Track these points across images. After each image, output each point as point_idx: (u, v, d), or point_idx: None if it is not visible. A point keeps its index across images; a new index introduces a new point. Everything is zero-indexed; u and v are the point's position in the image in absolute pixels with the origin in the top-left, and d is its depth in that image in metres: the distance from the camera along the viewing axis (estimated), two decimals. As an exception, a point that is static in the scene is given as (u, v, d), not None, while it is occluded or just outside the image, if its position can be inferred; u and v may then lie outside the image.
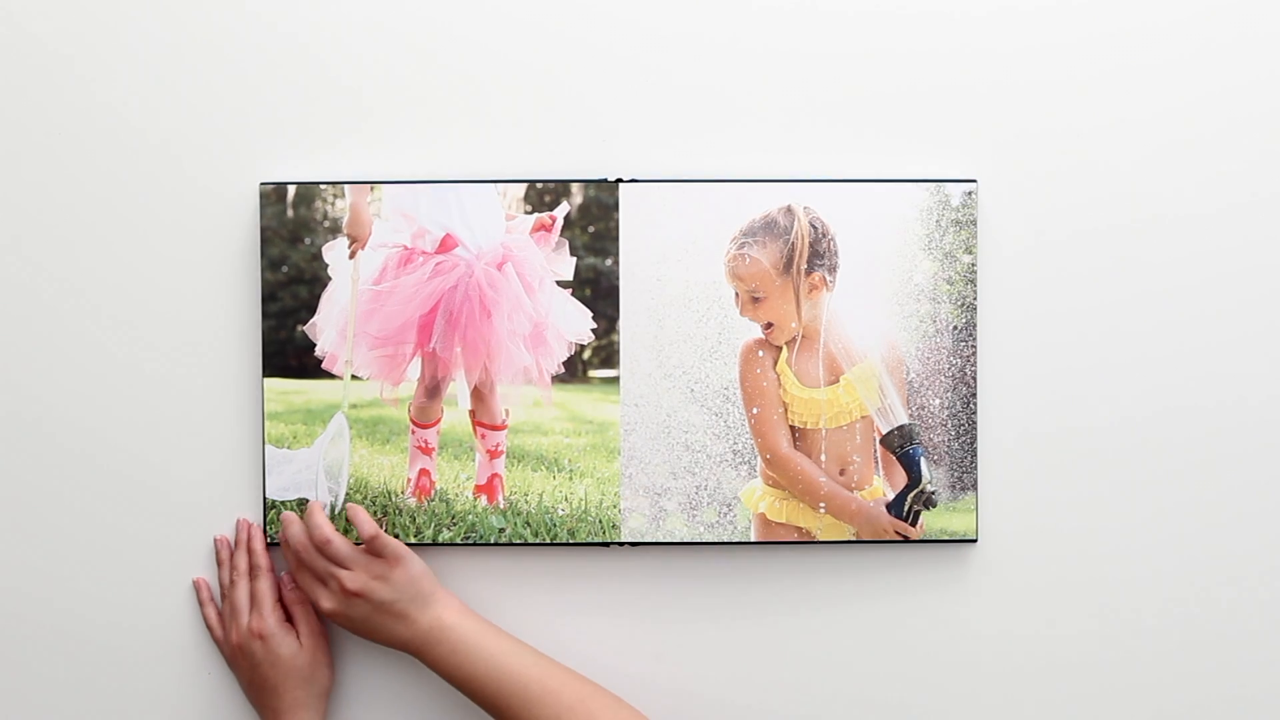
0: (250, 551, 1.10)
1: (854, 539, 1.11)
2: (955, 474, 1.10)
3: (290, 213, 1.10)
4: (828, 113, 1.11)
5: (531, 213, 1.09)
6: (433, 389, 1.09)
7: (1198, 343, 1.12)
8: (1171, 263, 1.12)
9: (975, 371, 1.11)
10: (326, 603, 1.05)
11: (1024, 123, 1.12)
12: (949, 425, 1.10)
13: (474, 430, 1.10)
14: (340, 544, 1.05)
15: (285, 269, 1.11)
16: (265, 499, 1.11)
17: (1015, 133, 1.12)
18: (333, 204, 1.09)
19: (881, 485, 1.10)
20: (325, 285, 1.10)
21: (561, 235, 1.09)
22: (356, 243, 1.09)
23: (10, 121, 1.12)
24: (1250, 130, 1.12)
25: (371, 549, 1.05)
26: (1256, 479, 1.12)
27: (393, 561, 1.04)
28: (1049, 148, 1.12)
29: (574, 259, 1.09)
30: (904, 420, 1.09)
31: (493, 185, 1.09)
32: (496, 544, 1.11)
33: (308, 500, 1.10)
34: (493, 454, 1.10)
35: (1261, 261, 1.12)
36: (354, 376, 1.11)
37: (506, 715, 1.02)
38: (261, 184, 1.10)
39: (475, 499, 1.10)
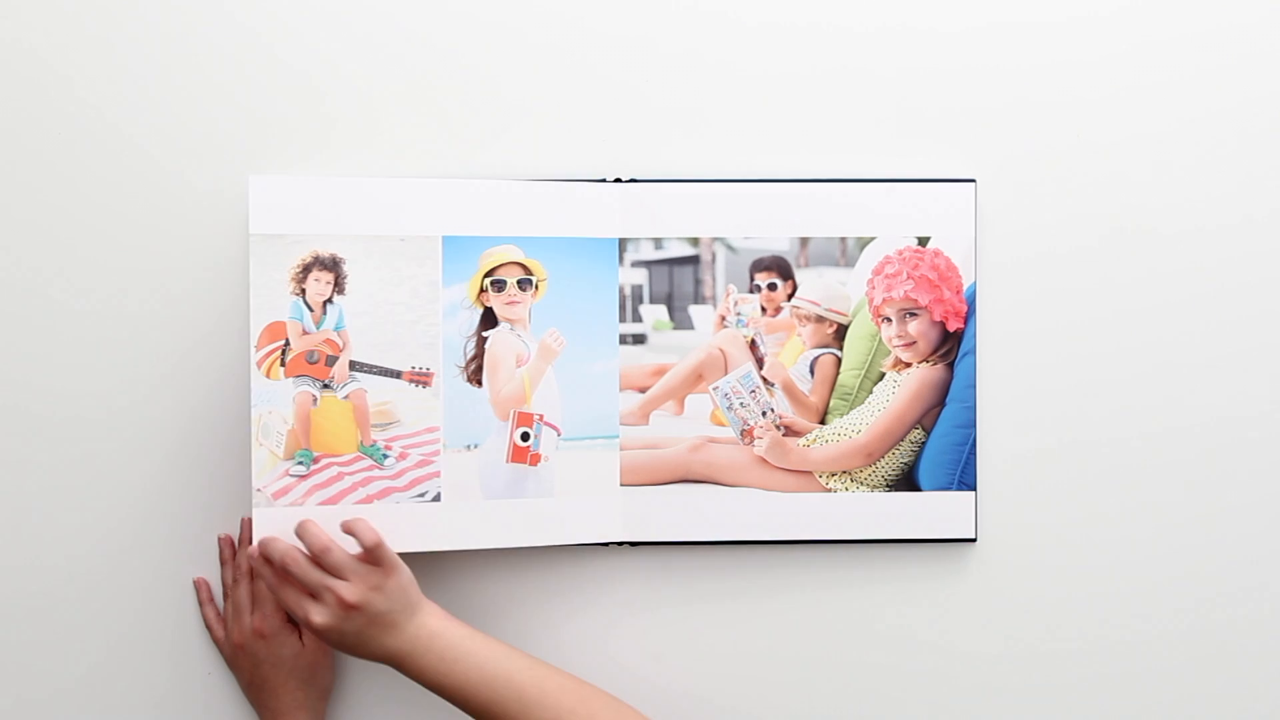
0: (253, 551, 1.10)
1: (854, 539, 1.11)
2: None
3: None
4: (828, 113, 1.11)
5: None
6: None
7: (1197, 344, 1.12)
8: (1171, 265, 1.12)
9: (975, 371, 1.11)
10: (319, 618, 0.98)
11: (1024, 123, 1.12)
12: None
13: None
14: (339, 552, 0.99)
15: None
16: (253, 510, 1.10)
17: (1015, 133, 1.12)
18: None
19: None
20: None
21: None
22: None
23: (3, 123, 1.11)
24: (1251, 138, 1.12)
25: (373, 558, 1.00)
26: (1255, 479, 1.13)
27: (388, 570, 0.99)
28: (1049, 148, 1.12)
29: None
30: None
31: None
32: (496, 546, 1.11)
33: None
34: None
35: (1261, 263, 1.12)
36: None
37: None
38: (250, 175, 1.09)
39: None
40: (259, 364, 1.05)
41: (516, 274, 1.09)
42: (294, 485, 1.05)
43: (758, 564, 1.13)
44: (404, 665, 0.99)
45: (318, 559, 0.99)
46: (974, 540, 1.12)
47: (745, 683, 1.13)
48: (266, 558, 1.00)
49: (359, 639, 0.99)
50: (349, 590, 0.98)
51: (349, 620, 0.98)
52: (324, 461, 1.06)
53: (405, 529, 1.07)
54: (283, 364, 1.05)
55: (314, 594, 0.99)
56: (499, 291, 1.09)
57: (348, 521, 1.01)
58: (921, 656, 1.13)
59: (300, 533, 1.01)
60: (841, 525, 1.11)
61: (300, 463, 1.05)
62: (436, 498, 1.09)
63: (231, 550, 1.12)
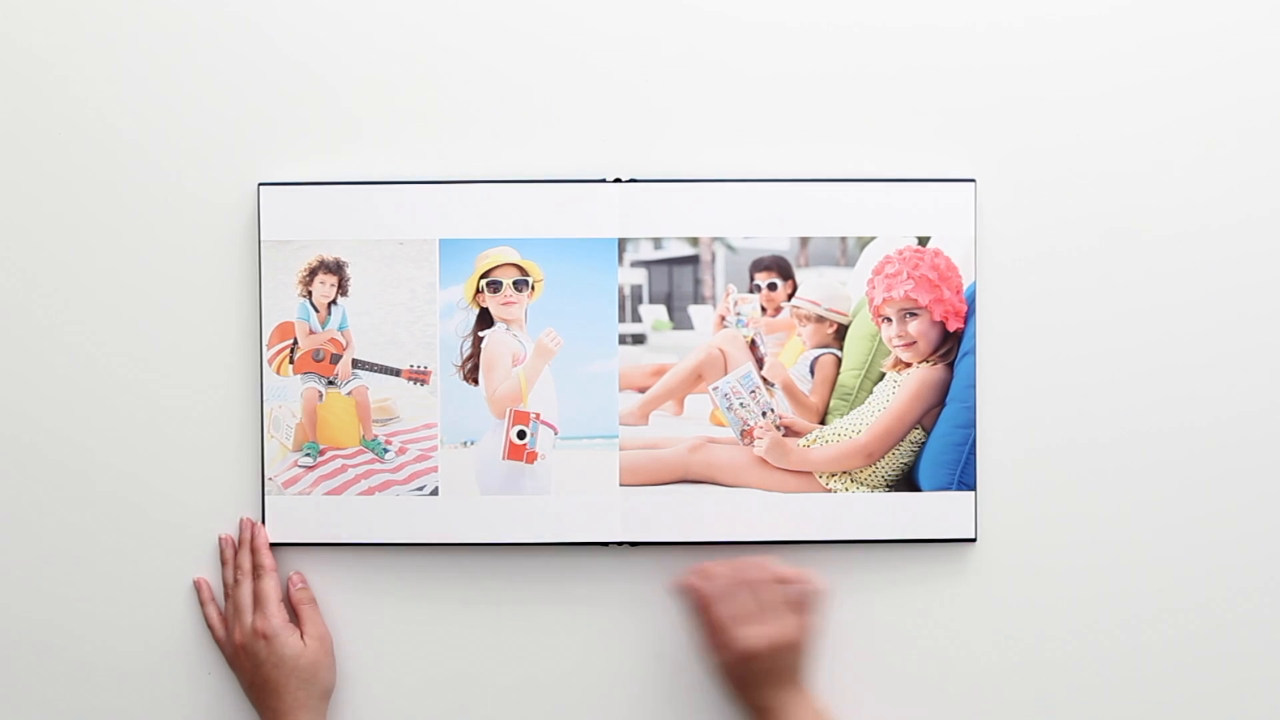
0: (254, 550, 1.10)
1: (854, 539, 1.11)
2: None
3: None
4: (828, 113, 1.11)
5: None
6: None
7: (1197, 344, 1.12)
8: (1171, 265, 1.12)
9: (975, 371, 1.11)
10: (761, 634, 1.03)
11: (1023, 123, 1.11)
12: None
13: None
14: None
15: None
16: (264, 499, 1.11)
17: (1015, 133, 1.11)
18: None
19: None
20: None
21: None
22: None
23: (8, 125, 1.12)
24: (1251, 138, 1.11)
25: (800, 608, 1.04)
26: (1255, 479, 1.12)
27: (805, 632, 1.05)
28: (1049, 148, 1.11)
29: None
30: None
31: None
32: (496, 544, 1.11)
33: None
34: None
35: (1261, 262, 1.12)
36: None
37: None
38: (260, 184, 1.10)
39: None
40: (270, 360, 1.11)
41: (512, 275, 1.10)
42: (302, 475, 1.11)
43: (757, 564, 1.12)
44: (768, 716, 1.03)
45: (765, 584, 1.04)
46: (974, 540, 1.11)
47: (744, 683, 1.13)
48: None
49: (762, 676, 1.03)
50: (789, 628, 1.03)
51: (779, 655, 1.03)
52: (329, 454, 1.11)
53: (404, 522, 1.10)
54: (291, 361, 1.11)
55: (758, 617, 1.03)
56: (495, 292, 1.10)
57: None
58: (921, 656, 1.13)
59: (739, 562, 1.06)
60: (841, 525, 1.11)
61: (308, 454, 1.11)
62: (434, 492, 1.11)
63: (233, 550, 1.12)
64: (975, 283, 1.11)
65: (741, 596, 1.04)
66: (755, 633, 1.03)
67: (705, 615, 1.05)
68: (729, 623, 1.03)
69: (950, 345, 1.11)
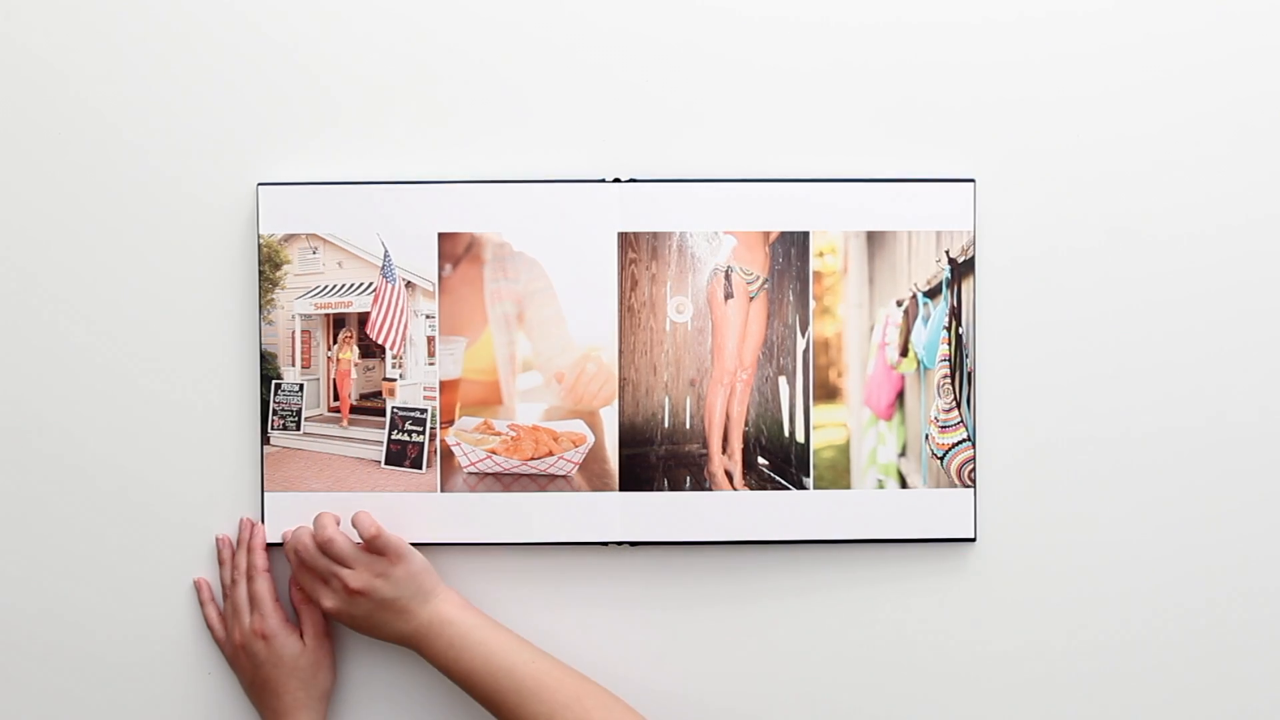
0: (250, 550, 1.10)
1: (853, 539, 1.11)
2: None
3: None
4: (828, 113, 1.11)
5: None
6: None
7: (1197, 343, 1.12)
8: (1171, 265, 1.12)
9: (974, 370, 1.11)
10: (329, 601, 1.07)
11: (1023, 123, 1.12)
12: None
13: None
14: (342, 543, 1.06)
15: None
16: (264, 498, 1.11)
17: (1014, 132, 1.11)
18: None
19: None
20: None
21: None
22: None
23: (8, 125, 1.12)
24: (1252, 137, 1.12)
25: (373, 548, 1.06)
26: (1254, 478, 1.12)
27: (394, 559, 1.06)
28: (1048, 147, 1.12)
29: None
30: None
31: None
32: (496, 543, 1.11)
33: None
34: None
35: (1261, 262, 1.12)
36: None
37: (502, 710, 1.02)
38: (259, 184, 1.10)
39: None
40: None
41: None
42: None
43: (757, 564, 1.12)
44: (417, 648, 1.06)
45: (323, 548, 1.07)
46: (973, 540, 1.12)
47: (745, 682, 1.13)
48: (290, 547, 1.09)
49: (370, 622, 1.06)
50: (353, 577, 1.05)
51: (355, 605, 1.06)
52: None
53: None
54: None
55: (325, 580, 1.07)
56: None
57: (354, 515, 1.07)
58: (921, 656, 1.13)
59: (314, 524, 1.08)
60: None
61: None
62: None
63: (231, 550, 1.12)
64: (975, 282, 1.11)
65: (310, 561, 1.07)
66: (327, 604, 1.07)
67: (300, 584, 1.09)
68: (313, 592, 1.08)
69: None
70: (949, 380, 1.11)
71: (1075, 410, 1.12)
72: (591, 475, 1.11)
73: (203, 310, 1.12)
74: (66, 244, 1.12)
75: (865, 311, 1.12)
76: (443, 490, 1.11)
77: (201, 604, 1.12)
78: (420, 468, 1.11)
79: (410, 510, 1.11)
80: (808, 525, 1.11)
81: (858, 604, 1.13)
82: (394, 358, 1.12)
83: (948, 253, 1.11)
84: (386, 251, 1.11)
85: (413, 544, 1.09)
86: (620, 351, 1.11)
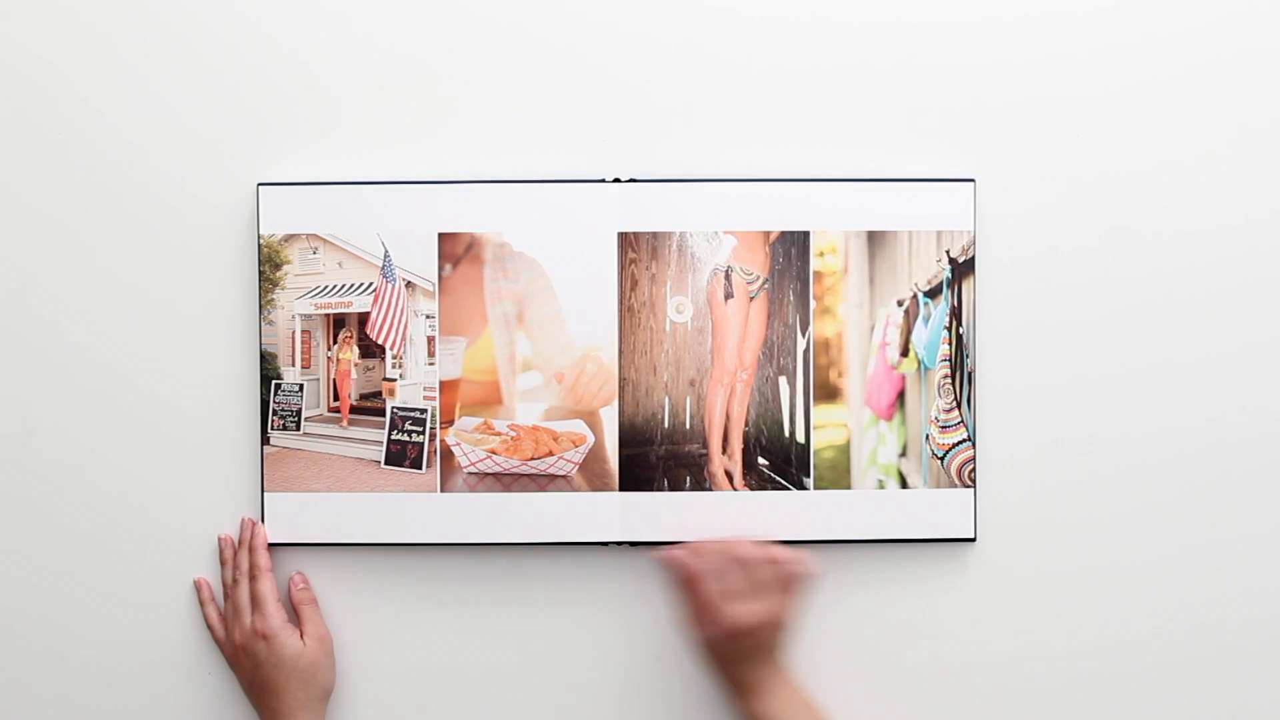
0: (252, 550, 1.10)
1: (853, 539, 1.11)
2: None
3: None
4: (828, 113, 1.11)
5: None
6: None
7: (1197, 343, 1.12)
8: (1171, 265, 1.12)
9: (974, 370, 1.11)
10: (756, 606, 1.03)
11: (1024, 123, 1.12)
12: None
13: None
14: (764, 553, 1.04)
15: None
16: (264, 498, 1.11)
17: (1015, 132, 1.11)
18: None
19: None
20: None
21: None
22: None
23: (8, 125, 1.12)
24: (1252, 137, 1.12)
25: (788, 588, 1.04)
26: (1255, 478, 1.12)
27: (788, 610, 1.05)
28: (1049, 147, 1.12)
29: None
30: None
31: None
32: (496, 543, 1.11)
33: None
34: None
35: (1261, 262, 1.12)
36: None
37: None
38: (259, 184, 1.10)
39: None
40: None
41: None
42: None
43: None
44: (749, 693, 1.04)
45: (747, 562, 1.04)
46: (973, 540, 1.12)
47: (745, 683, 1.13)
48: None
49: (746, 652, 1.04)
50: (775, 607, 1.04)
51: (765, 632, 1.03)
52: None
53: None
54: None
55: (746, 595, 1.03)
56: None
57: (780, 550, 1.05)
58: (921, 656, 1.13)
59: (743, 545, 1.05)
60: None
61: None
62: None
63: (232, 550, 1.12)
64: (975, 282, 1.11)
65: (731, 573, 1.03)
66: (743, 610, 1.03)
67: (692, 590, 1.04)
68: (717, 599, 1.03)
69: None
70: (949, 380, 1.11)
71: (1075, 410, 1.12)
72: (591, 475, 1.11)
73: (203, 310, 1.12)
74: (66, 244, 1.12)
75: (866, 311, 1.12)
76: (443, 490, 1.11)
77: (201, 604, 1.12)
78: (420, 468, 1.11)
79: (410, 510, 1.11)
80: (808, 525, 1.11)
81: (858, 604, 1.13)
82: (394, 358, 1.12)
83: (948, 252, 1.11)
84: (386, 251, 1.11)
85: (412, 544, 1.09)
86: (620, 351, 1.11)
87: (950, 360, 1.11)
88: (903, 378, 1.12)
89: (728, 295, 1.11)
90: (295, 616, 1.11)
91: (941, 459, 1.11)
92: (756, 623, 1.02)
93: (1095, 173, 1.12)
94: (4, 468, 1.12)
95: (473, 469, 1.11)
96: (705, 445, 1.12)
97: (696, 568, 1.04)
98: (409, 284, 1.11)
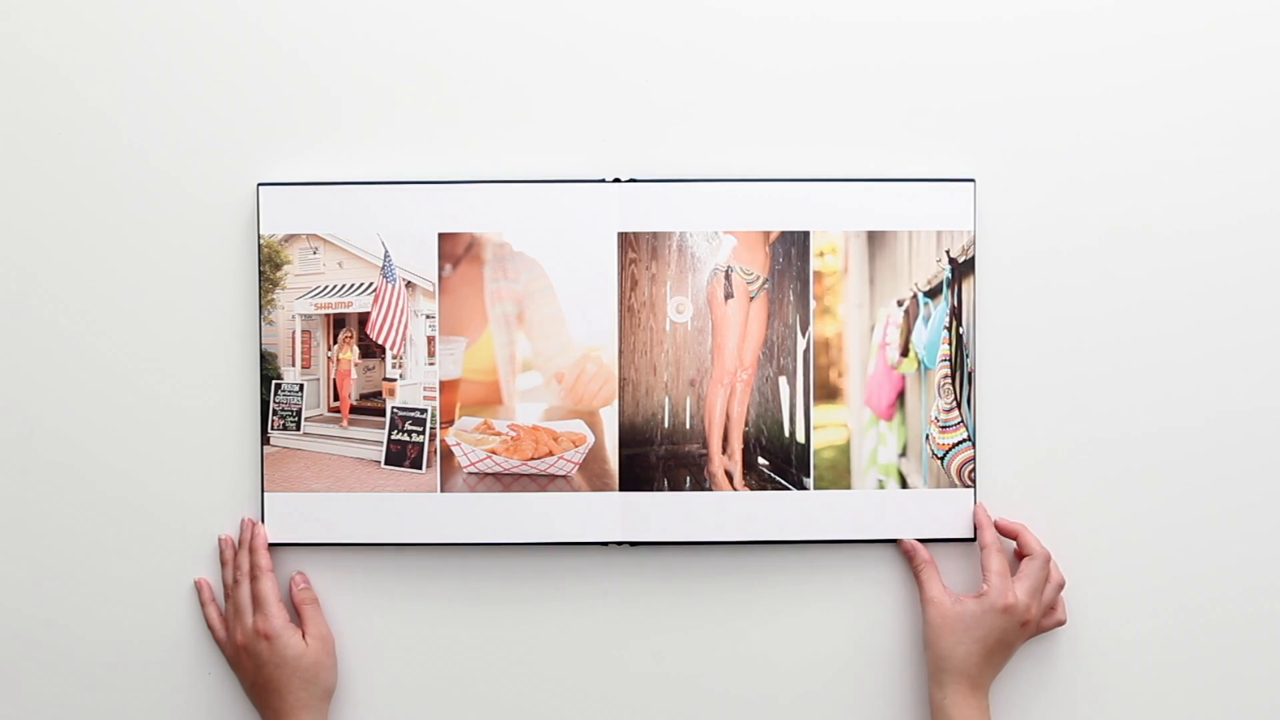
0: (253, 551, 1.10)
1: (853, 539, 1.11)
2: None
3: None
4: (828, 113, 1.11)
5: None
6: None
7: (1197, 343, 1.12)
8: (1171, 264, 1.12)
9: (974, 370, 1.11)
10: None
11: (1024, 123, 1.12)
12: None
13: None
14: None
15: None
16: (264, 499, 1.11)
17: (1015, 132, 1.11)
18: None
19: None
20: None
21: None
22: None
23: (8, 125, 1.12)
24: (1252, 136, 1.12)
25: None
26: (1256, 478, 1.12)
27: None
28: (1048, 147, 1.12)
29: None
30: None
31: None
32: (496, 543, 1.11)
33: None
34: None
35: (1261, 261, 1.12)
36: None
37: None
38: (259, 184, 1.10)
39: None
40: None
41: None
42: None
43: (757, 564, 1.12)
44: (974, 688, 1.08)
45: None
46: (973, 540, 1.12)
47: (744, 682, 1.13)
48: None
49: (992, 654, 1.08)
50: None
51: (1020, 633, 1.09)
52: None
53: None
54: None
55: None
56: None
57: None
58: (921, 656, 1.13)
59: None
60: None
61: None
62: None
63: (233, 550, 1.12)
64: (975, 282, 1.11)
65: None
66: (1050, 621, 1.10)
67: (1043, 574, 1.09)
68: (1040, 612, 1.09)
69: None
70: (949, 380, 1.11)
71: (1075, 410, 1.12)
72: (591, 475, 1.11)
73: (203, 310, 1.12)
74: (66, 244, 1.12)
75: (866, 311, 1.12)
76: (443, 490, 1.12)
77: (202, 604, 1.12)
78: (420, 468, 1.11)
79: (410, 510, 1.11)
80: (808, 525, 1.11)
81: (858, 604, 1.13)
82: (394, 358, 1.12)
83: (948, 252, 1.11)
84: (386, 251, 1.11)
85: (413, 544, 1.09)
86: (620, 351, 1.11)
87: (950, 360, 1.11)
88: (903, 378, 1.12)
89: (728, 295, 1.11)
90: (297, 616, 1.11)
91: (941, 459, 1.11)
92: (1030, 634, 1.09)
93: (1095, 172, 1.12)
94: (4, 468, 1.12)
95: (473, 469, 1.11)
96: (705, 445, 1.12)
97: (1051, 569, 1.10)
98: (409, 284, 1.11)
